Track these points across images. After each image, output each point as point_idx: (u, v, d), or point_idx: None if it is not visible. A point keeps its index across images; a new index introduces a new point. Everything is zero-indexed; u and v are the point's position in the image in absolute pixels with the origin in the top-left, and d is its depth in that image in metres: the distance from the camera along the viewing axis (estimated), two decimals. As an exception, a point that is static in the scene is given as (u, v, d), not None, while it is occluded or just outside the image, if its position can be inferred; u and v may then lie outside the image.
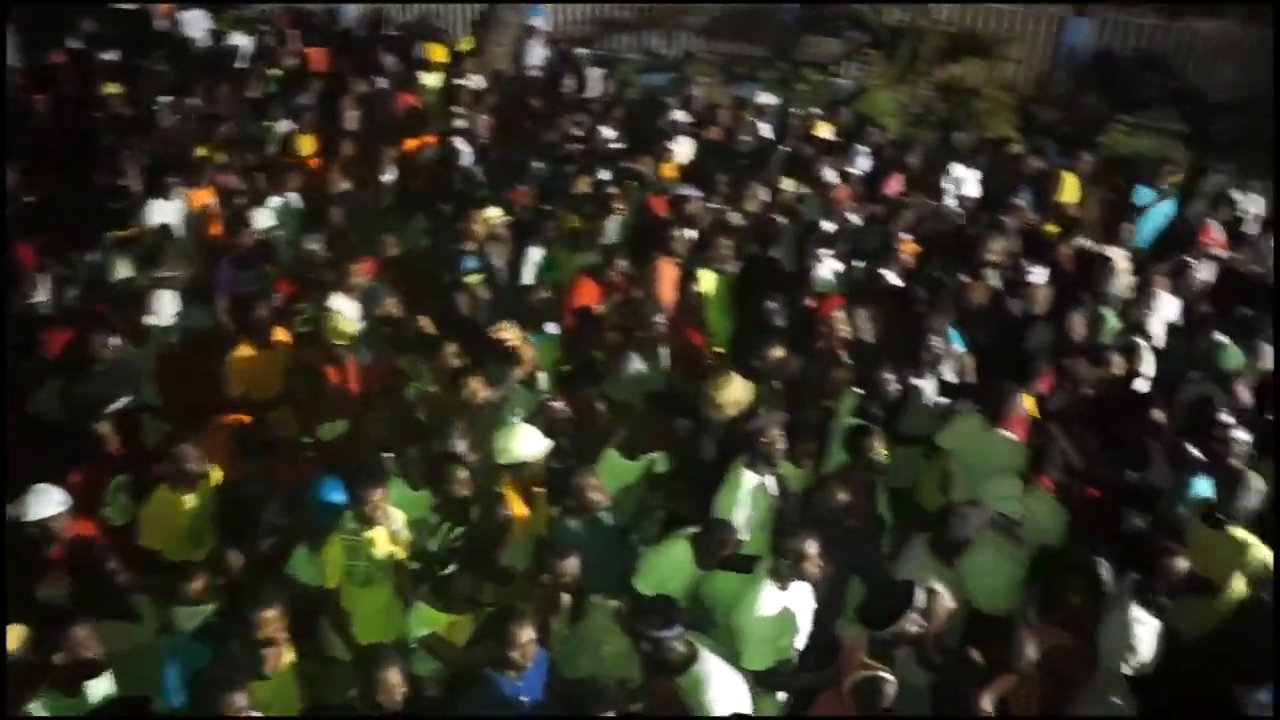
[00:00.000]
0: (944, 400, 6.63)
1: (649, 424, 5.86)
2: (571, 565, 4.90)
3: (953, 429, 6.31)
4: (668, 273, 7.54)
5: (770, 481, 5.63)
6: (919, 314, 7.07)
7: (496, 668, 4.52)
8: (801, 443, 5.80)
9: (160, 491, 5.50)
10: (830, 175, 9.17)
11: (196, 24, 12.87)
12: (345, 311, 6.99)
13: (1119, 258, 8.08)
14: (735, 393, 6.13)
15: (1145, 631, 5.04)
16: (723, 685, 4.55)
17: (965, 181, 9.65)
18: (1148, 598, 5.07)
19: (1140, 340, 7.02)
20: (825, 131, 10.31)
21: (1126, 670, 5.04)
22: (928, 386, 6.64)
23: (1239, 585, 5.48)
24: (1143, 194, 9.55)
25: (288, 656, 4.72)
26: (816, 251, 7.81)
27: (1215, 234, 8.88)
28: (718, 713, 4.45)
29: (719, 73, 14.31)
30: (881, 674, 4.54)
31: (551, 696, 4.69)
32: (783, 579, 5.00)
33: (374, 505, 5.19)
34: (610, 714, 4.22)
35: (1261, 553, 5.50)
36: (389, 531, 5.29)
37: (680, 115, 10.65)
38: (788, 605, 5.02)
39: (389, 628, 5.23)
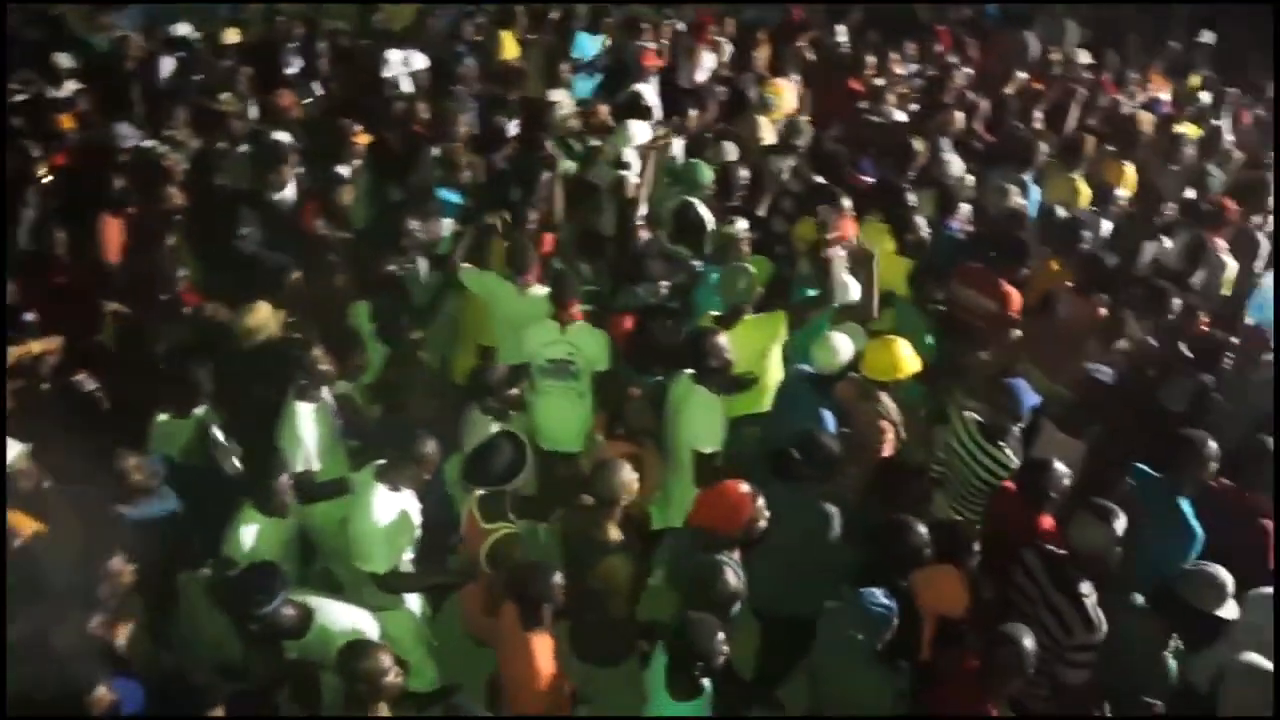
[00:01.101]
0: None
1: (184, 378, 5.44)
2: (116, 565, 4.46)
3: (470, 288, 6.49)
4: (113, 231, 6.85)
5: (328, 401, 5.51)
6: (399, 201, 7.21)
7: None
8: (345, 356, 5.64)
9: None
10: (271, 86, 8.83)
11: None
12: None
13: (563, 99, 8.77)
14: (260, 317, 5.85)
15: (713, 414, 5.50)
16: (349, 618, 4.52)
17: (409, 61, 9.70)
18: (707, 384, 5.52)
19: (625, 171, 7.52)
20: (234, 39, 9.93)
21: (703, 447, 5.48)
22: (423, 265, 6.79)
23: (768, 365, 6.12)
24: (582, 40, 10.25)
25: None
26: (275, 165, 7.49)
27: (653, 58, 9.79)
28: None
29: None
30: (507, 531, 4.73)
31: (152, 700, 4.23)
32: (397, 482, 4.93)
33: None
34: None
35: (774, 326, 6.11)
36: None
37: (67, 58, 9.51)
38: (400, 506, 4.97)
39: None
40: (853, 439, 5.66)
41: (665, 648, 4.26)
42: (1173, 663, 4.68)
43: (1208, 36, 12.11)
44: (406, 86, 9.35)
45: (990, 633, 4.34)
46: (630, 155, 7.69)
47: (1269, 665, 4.29)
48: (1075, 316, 6.57)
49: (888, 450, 5.72)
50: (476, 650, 5.22)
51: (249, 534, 4.83)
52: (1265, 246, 7.39)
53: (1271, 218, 8.04)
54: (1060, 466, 5.10)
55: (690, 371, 5.62)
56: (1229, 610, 4.47)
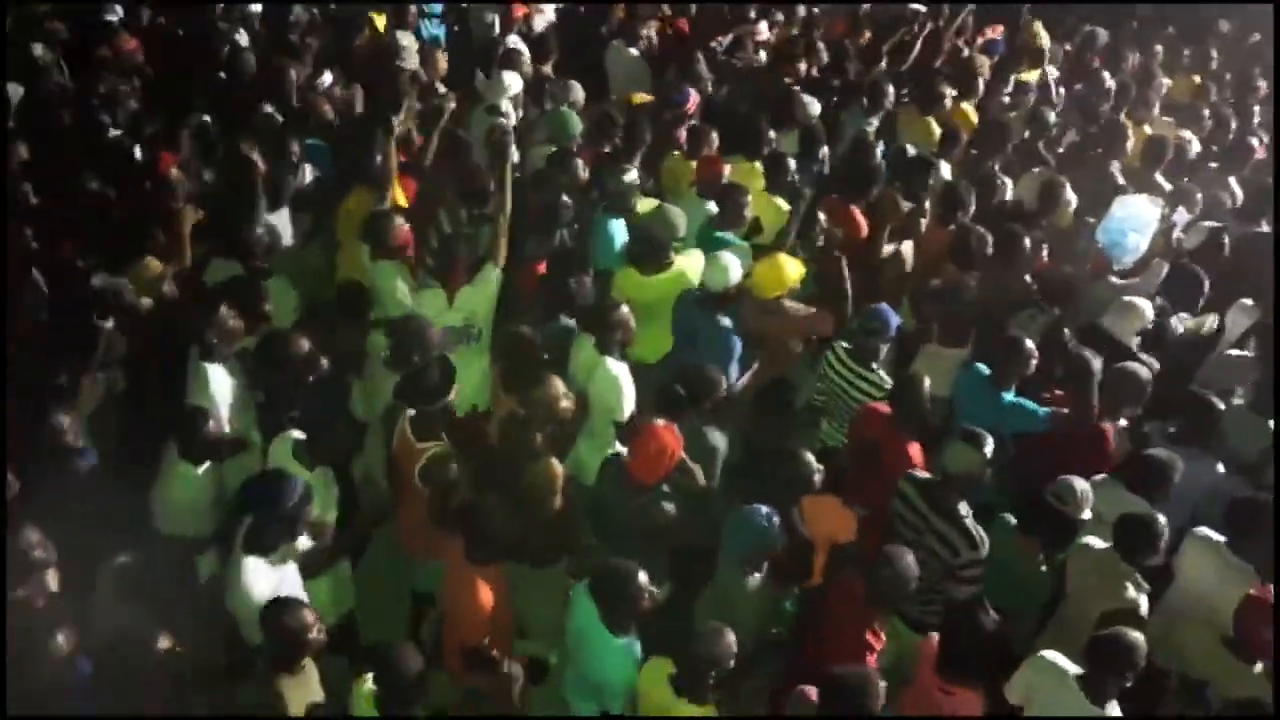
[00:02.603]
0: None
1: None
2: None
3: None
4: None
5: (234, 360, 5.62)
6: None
7: None
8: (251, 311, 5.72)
9: None
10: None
11: None
12: None
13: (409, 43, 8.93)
14: (153, 273, 5.98)
15: (624, 382, 5.74)
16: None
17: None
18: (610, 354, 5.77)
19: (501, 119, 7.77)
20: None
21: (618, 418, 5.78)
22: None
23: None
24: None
25: None
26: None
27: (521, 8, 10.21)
28: None
29: None
30: (439, 449, 5.09)
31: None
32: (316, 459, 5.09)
33: None
34: None
35: (685, 265, 6.41)
36: None
37: None
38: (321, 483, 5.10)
39: None
40: (763, 360, 6.13)
41: (591, 594, 4.58)
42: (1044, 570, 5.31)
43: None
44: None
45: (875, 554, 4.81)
46: (506, 105, 7.97)
47: (1101, 544, 5.13)
48: (933, 242, 7.15)
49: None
50: (396, 603, 5.64)
51: (183, 484, 4.99)
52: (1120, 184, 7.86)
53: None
54: (928, 381, 5.64)
55: (592, 339, 5.81)
56: (1086, 513, 5.18)
